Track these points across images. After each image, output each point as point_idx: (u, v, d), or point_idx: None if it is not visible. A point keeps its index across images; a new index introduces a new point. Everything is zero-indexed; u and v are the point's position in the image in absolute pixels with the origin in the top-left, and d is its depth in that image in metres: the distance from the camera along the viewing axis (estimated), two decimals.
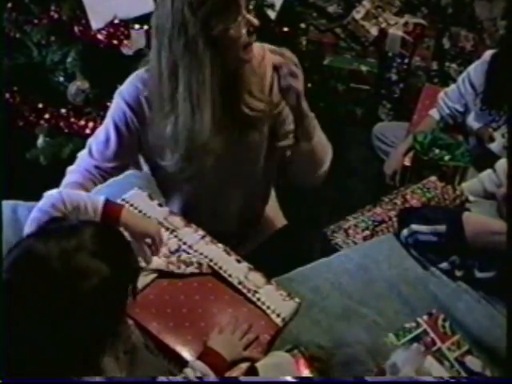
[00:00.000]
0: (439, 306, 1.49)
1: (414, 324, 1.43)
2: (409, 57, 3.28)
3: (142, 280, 1.40)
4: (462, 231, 1.48)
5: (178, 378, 1.23)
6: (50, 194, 1.35)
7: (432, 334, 1.41)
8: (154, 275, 1.42)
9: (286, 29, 2.54)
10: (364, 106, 3.38)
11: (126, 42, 2.13)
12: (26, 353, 0.98)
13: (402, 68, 3.30)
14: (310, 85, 2.85)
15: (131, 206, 1.57)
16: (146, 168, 1.81)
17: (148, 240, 1.40)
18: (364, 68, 3.33)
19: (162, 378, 1.19)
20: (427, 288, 1.52)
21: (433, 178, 2.02)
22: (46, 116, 2.35)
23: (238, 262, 1.49)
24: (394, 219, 1.82)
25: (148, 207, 1.57)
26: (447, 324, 1.44)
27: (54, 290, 0.97)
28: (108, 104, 2.14)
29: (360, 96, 3.37)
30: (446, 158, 2.11)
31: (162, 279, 1.43)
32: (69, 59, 2.21)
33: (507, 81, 1.98)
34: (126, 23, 2.13)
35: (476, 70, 2.22)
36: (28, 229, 1.29)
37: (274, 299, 1.41)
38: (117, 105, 1.62)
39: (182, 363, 1.28)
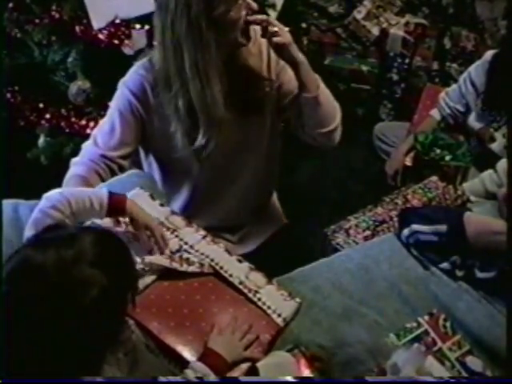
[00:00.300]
0: (440, 305, 1.49)
1: (414, 324, 1.43)
2: (410, 57, 3.28)
3: (143, 280, 1.40)
4: (463, 231, 1.48)
5: (179, 379, 1.23)
6: (51, 195, 1.34)
7: (433, 334, 1.41)
8: (155, 276, 1.42)
9: (286, 29, 2.54)
10: (365, 106, 3.38)
11: (127, 41, 2.13)
12: (25, 362, 0.97)
13: (402, 68, 3.31)
14: None
15: None
16: (146, 168, 1.82)
17: (148, 232, 1.43)
18: (365, 68, 3.33)
19: (162, 379, 1.19)
20: (428, 288, 1.52)
21: (434, 178, 2.02)
22: (47, 116, 2.35)
23: (239, 261, 1.49)
24: (395, 219, 1.82)
25: (150, 207, 1.57)
26: (448, 324, 1.44)
27: (53, 301, 0.96)
28: (109, 104, 2.16)
29: (361, 96, 3.37)
30: (447, 158, 2.11)
31: (162, 279, 1.43)
32: (70, 59, 2.21)
33: (508, 81, 1.98)
34: (127, 23, 2.13)
35: (477, 70, 2.22)
36: (28, 231, 1.28)
37: (275, 299, 1.41)
38: (121, 94, 1.63)
39: (183, 363, 1.28)
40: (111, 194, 1.38)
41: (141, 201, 1.58)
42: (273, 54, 1.63)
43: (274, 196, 2.02)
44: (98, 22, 2.11)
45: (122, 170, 1.68)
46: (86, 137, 2.01)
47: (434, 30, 3.39)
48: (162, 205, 1.60)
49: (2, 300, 0.97)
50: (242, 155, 1.74)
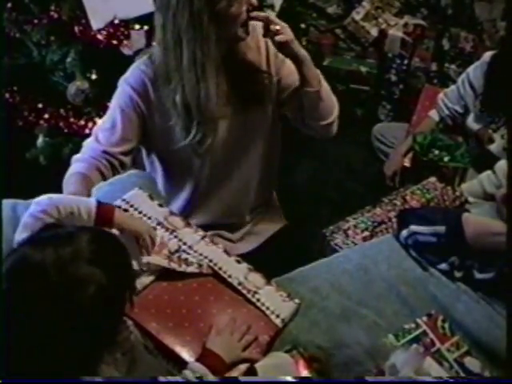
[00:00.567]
0: (438, 306, 1.49)
1: (413, 325, 1.43)
2: (408, 58, 3.28)
3: (142, 280, 1.40)
4: (461, 232, 1.48)
5: (177, 379, 1.23)
6: (40, 200, 1.33)
7: (431, 335, 1.41)
8: (153, 277, 1.42)
9: (287, 25, 2.54)
10: (364, 107, 3.39)
11: (125, 42, 2.13)
12: (24, 360, 0.98)
13: (401, 69, 3.31)
14: None
15: (131, 206, 1.57)
16: (148, 167, 1.82)
17: (140, 240, 1.41)
18: (364, 69, 3.34)
19: (161, 379, 1.19)
20: (427, 289, 1.52)
21: (432, 179, 2.02)
22: (46, 116, 2.35)
23: (238, 262, 1.49)
24: (394, 220, 1.82)
25: (148, 207, 1.57)
26: (446, 325, 1.44)
27: (51, 299, 0.96)
28: (108, 104, 2.15)
29: (360, 97, 3.38)
30: (446, 158, 2.12)
31: (161, 280, 1.43)
32: (68, 59, 2.21)
33: (507, 82, 1.98)
34: (126, 23, 2.13)
35: (476, 71, 2.22)
36: (19, 234, 1.26)
37: (274, 300, 1.41)
38: (122, 90, 1.63)
39: (182, 364, 1.28)
40: (99, 204, 1.36)
41: (139, 201, 1.58)
42: (272, 48, 1.66)
43: (274, 196, 2.03)
44: (96, 22, 2.11)
45: (124, 166, 1.68)
46: (85, 137, 2.01)
47: (433, 31, 3.39)
48: (160, 205, 1.60)
49: (1, 298, 0.97)
50: (243, 152, 1.75)
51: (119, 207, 1.55)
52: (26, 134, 2.40)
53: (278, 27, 1.54)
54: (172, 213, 1.59)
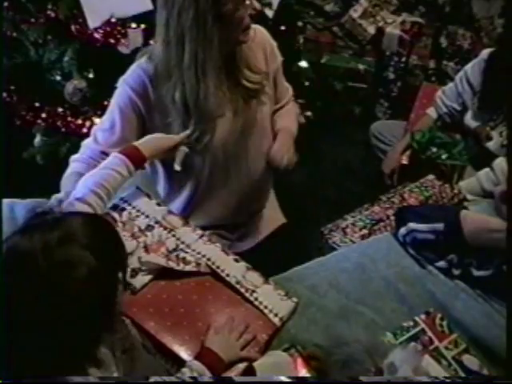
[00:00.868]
0: (437, 304, 1.49)
1: (411, 323, 1.44)
2: (406, 55, 3.28)
3: (140, 279, 1.40)
4: (459, 229, 1.48)
5: (173, 379, 1.23)
6: (75, 190, 1.36)
7: (430, 333, 1.42)
8: (151, 276, 1.42)
9: (283, 27, 2.54)
10: (361, 105, 3.38)
11: (123, 40, 2.13)
12: (23, 348, 0.97)
13: (399, 66, 3.31)
14: (307, 83, 2.86)
15: (130, 205, 1.57)
16: (148, 167, 1.82)
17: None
18: (361, 67, 3.33)
19: (156, 378, 1.18)
20: (425, 287, 1.52)
21: (430, 177, 2.02)
22: (43, 115, 2.35)
23: (236, 261, 1.49)
24: (392, 218, 1.82)
25: (147, 206, 1.57)
26: (445, 323, 1.44)
27: (43, 285, 0.96)
28: (105, 103, 2.15)
29: (357, 95, 3.37)
30: (444, 156, 2.11)
31: (159, 279, 1.43)
32: (66, 58, 2.20)
33: (505, 79, 1.98)
34: (123, 22, 2.13)
35: (473, 69, 2.22)
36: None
37: (272, 299, 1.41)
38: (122, 90, 1.63)
39: (180, 363, 1.28)
40: (125, 152, 1.44)
41: (138, 200, 1.58)
42: (269, 49, 1.70)
43: (272, 195, 2.03)
44: (93, 21, 2.10)
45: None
46: (83, 136, 2.00)
47: (431, 28, 3.39)
48: (158, 204, 1.60)
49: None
50: (241, 151, 1.75)
51: (117, 206, 1.55)
52: (24, 133, 2.39)
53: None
54: (170, 212, 1.59)
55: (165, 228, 1.53)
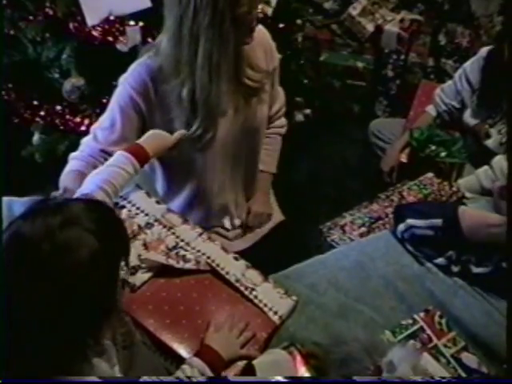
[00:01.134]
0: (436, 302, 1.49)
1: (410, 321, 1.44)
2: (405, 53, 3.28)
3: (140, 277, 1.40)
4: (458, 224, 1.48)
5: (172, 378, 1.22)
6: (81, 189, 1.37)
7: (428, 331, 1.42)
8: (151, 273, 1.42)
9: (282, 25, 2.54)
10: (360, 103, 3.38)
11: (121, 38, 2.12)
12: (24, 333, 0.97)
13: (398, 64, 3.30)
14: (306, 81, 2.85)
15: (129, 203, 1.57)
16: (147, 167, 1.82)
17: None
18: (360, 64, 3.33)
19: (151, 378, 1.18)
20: (424, 285, 1.53)
21: (429, 175, 2.02)
22: (42, 113, 2.34)
23: (236, 259, 1.49)
24: (391, 216, 1.82)
25: (146, 204, 1.57)
26: (443, 321, 1.44)
27: (45, 269, 0.96)
28: (104, 101, 2.15)
29: (356, 92, 3.37)
30: (443, 154, 2.11)
31: (159, 277, 1.43)
32: (64, 56, 2.19)
33: (503, 77, 1.98)
34: (122, 20, 2.12)
35: (472, 67, 2.22)
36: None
37: (272, 297, 1.41)
38: (122, 89, 1.62)
39: (179, 360, 1.28)
40: (130, 150, 1.45)
41: (137, 198, 1.58)
42: (269, 49, 1.71)
43: (271, 193, 2.02)
44: (92, 18, 2.10)
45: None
46: (81, 134, 2.00)
47: (430, 26, 3.38)
48: (158, 202, 1.60)
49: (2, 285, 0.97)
50: (240, 150, 1.75)
51: (117, 204, 1.55)
52: (22, 131, 2.39)
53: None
54: (169, 210, 1.60)
55: (164, 226, 1.54)
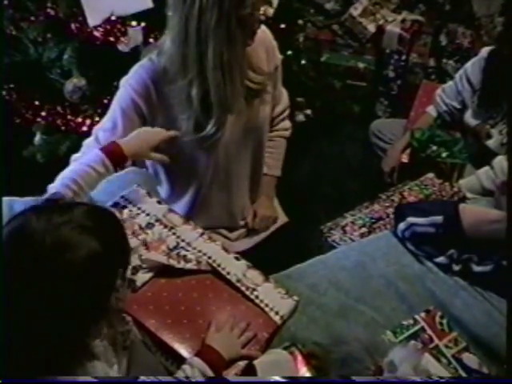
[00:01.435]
0: (437, 302, 1.49)
1: (411, 321, 1.44)
2: (406, 54, 3.28)
3: (141, 277, 1.41)
4: (459, 221, 1.47)
5: (172, 378, 1.23)
6: (53, 185, 1.39)
7: (429, 331, 1.42)
8: (152, 273, 1.42)
9: (283, 25, 2.54)
10: (361, 103, 3.38)
11: (122, 38, 2.12)
12: (20, 326, 0.98)
13: (399, 65, 3.30)
14: (307, 81, 2.86)
15: (130, 203, 1.57)
16: (150, 168, 1.82)
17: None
18: (361, 65, 3.33)
19: (150, 378, 1.18)
20: (425, 285, 1.52)
21: (430, 175, 2.02)
22: (43, 113, 2.34)
23: (237, 259, 1.49)
24: (392, 216, 1.82)
25: (147, 204, 1.57)
26: (445, 321, 1.44)
27: (44, 260, 0.97)
28: (105, 101, 2.15)
29: (357, 93, 3.37)
30: (444, 154, 2.11)
31: (160, 277, 1.43)
32: (65, 56, 2.20)
33: (504, 77, 1.98)
34: (123, 20, 2.12)
35: (473, 67, 2.22)
36: None
37: (273, 297, 1.41)
38: (124, 91, 1.62)
39: (180, 361, 1.28)
40: (105, 150, 1.44)
41: (138, 198, 1.58)
42: (271, 50, 1.71)
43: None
44: (93, 19, 2.10)
45: (123, 167, 1.68)
46: (82, 134, 2.00)
47: (431, 26, 3.38)
48: (159, 202, 1.60)
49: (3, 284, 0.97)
50: (241, 152, 1.75)
51: (118, 204, 1.55)
52: (23, 131, 2.39)
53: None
54: (171, 210, 1.60)
55: (165, 226, 1.54)
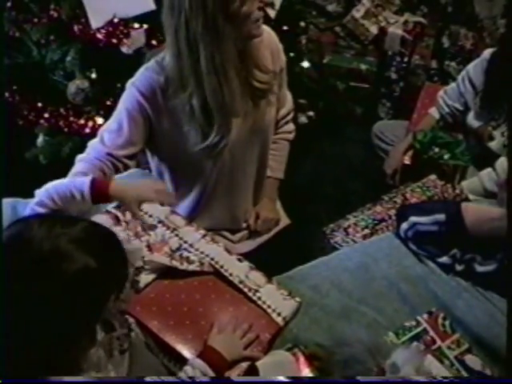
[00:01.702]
0: (439, 304, 1.49)
1: (413, 323, 1.44)
2: (408, 55, 3.28)
3: (144, 278, 1.41)
4: (461, 219, 1.47)
5: (171, 378, 1.23)
6: (39, 192, 1.38)
7: (432, 333, 1.42)
8: (155, 275, 1.42)
9: (285, 27, 2.54)
10: (364, 105, 3.38)
11: (125, 40, 2.12)
12: (18, 327, 0.98)
13: (401, 67, 3.31)
14: (309, 83, 2.86)
15: None
16: (154, 169, 1.82)
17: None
18: (363, 67, 3.33)
19: (153, 378, 1.18)
20: (427, 286, 1.52)
21: (432, 177, 2.02)
22: (46, 115, 2.35)
23: (239, 260, 1.49)
24: (394, 218, 1.82)
25: (150, 205, 1.57)
26: (447, 323, 1.44)
27: (39, 265, 0.97)
28: (108, 103, 2.15)
29: (359, 95, 3.37)
30: (446, 156, 2.11)
31: (162, 278, 1.43)
32: (68, 58, 2.20)
33: (507, 79, 1.98)
34: (126, 22, 2.13)
35: (475, 69, 2.21)
36: None
37: (275, 298, 1.41)
38: (130, 93, 1.62)
39: (183, 362, 1.28)
40: (94, 182, 1.40)
41: None
42: (275, 48, 1.71)
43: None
44: (96, 21, 2.10)
45: (127, 169, 1.69)
46: (85, 136, 2.00)
47: (433, 28, 3.39)
48: (162, 204, 1.60)
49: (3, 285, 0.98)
50: (246, 154, 1.75)
51: (120, 206, 1.55)
52: (26, 133, 2.39)
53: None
54: (173, 211, 1.60)
55: (168, 227, 1.54)
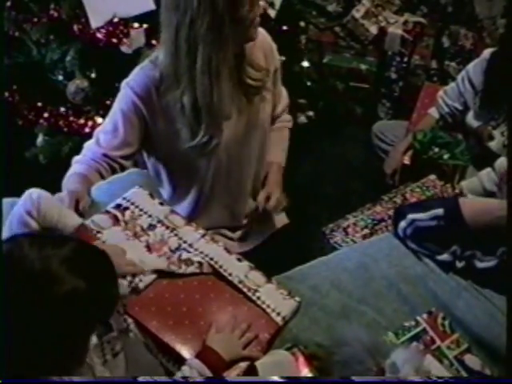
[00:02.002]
0: (439, 304, 1.49)
1: (413, 323, 1.44)
2: (408, 55, 3.28)
3: (144, 279, 1.41)
4: (459, 213, 1.47)
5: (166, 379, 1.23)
6: (30, 194, 1.37)
7: (431, 333, 1.42)
8: (155, 275, 1.42)
9: (285, 27, 2.54)
10: (363, 105, 3.38)
11: (125, 40, 2.13)
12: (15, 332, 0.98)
13: (401, 67, 3.31)
14: (309, 83, 2.86)
15: (132, 204, 1.57)
16: (151, 169, 1.82)
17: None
18: (363, 67, 3.34)
19: (146, 378, 1.18)
20: (427, 286, 1.52)
21: (432, 177, 2.02)
22: (46, 115, 2.35)
23: (239, 260, 1.49)
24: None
25: (149, 205, 1.57)
26: (447, 322, 1.44)
27: (29, 288, 0.97)
28: (108, 103, 2.15)
29: (359, 95, 3.37)
30: (446, 156, 2.11)
31: (162, 278, 1.43)
32: (68, 58, 2.21)
33: (506, 79, 1.98)
34: (126, 22, 2.13)
35: (475, 69, 2.22)
36: (7, 227, 1.33)
37: (275, 298, 1.41)
38: (124, 94, 1.62)
39: (182, 362, 1.28)
40: (80, 228, 1.39)
41: (140, 199, 1.58)
42: (269, 47, 1.71)
43: None
44: (96, 20, 2.11)
45: (124, 169, 1.69)
46: (85, 136, 2.01)
47: (433, 28, 3.39)
48: (161, 203, 1.60)
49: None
50: (243, 153, 1.76)
51: (120, 205, 1.55)
52: (26, 132, 2.39)
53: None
54: (172, 211, 1.59)
55: (167, 227, 1.54)
